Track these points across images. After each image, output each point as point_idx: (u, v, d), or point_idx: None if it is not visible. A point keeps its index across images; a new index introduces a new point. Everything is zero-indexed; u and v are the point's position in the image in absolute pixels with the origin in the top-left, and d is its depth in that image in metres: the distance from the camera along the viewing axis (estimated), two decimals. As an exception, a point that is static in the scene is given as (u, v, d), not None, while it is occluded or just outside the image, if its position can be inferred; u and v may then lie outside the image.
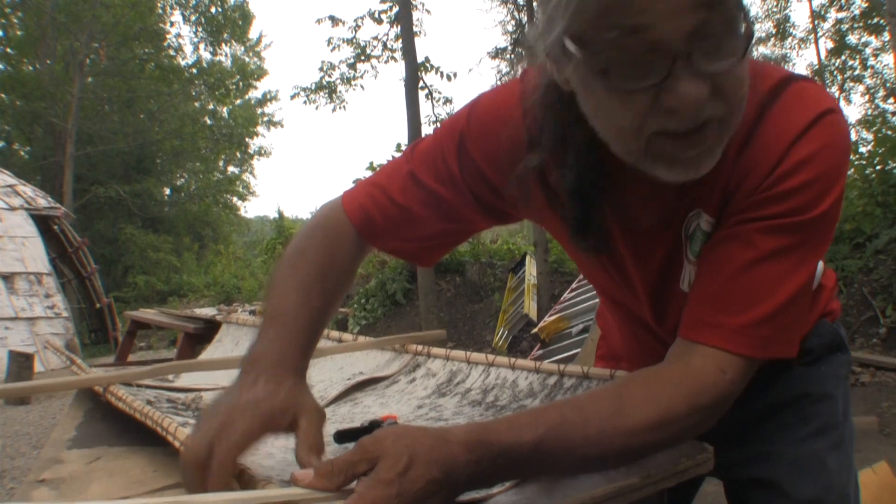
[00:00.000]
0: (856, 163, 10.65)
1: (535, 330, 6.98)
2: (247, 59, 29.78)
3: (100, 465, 1.13)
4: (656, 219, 1.02)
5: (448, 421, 1.27)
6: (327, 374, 1.69)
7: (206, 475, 0.79)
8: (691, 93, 0.76)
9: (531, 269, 9.93)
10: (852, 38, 22.23)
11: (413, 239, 1.15)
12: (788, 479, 1.23)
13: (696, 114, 0.78)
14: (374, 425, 1.13)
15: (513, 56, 13.89)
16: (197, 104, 27.89)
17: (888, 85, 20.97)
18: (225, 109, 29.03)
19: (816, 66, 23.28)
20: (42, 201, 10.92)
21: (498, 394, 1.37)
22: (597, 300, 5.95)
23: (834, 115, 0.92)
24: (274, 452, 1.02)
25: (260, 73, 29.98)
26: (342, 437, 1.11)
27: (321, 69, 13.74)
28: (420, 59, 12.68)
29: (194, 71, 27.08)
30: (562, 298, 7.62)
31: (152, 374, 1.46)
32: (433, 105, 13.60)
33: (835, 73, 23.46)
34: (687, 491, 1.41)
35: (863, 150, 11.13)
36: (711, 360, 0.92)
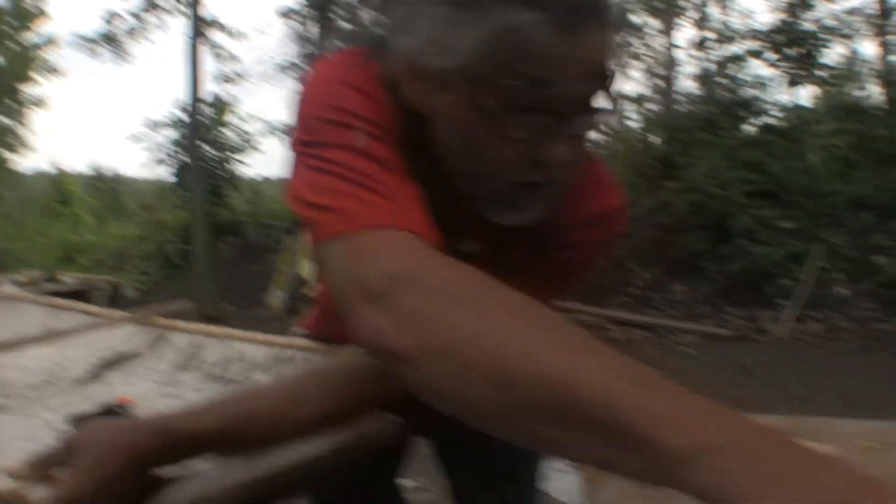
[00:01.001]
0: (626, 136, 11.45)
1: (308, 291, 7.01)
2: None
3: None
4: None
5: (187, 400, 1.33)
6: (72, 350, 1.69)
7: None
8: (565, 152, 0.79)
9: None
10: (635, 19, 23.44)
11: None
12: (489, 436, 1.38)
13: (560, 170, 0.82)
14: (106, 411, 1.22)
15: (305, 16, 13.67)
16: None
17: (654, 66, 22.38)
18: (-3, 54, 26.55)
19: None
20: None
21: (234, 367, 1.49)
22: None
23: (619, 216, 1.00)
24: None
25: (39, 14, 27.53)
26: (77, 421, 1.21)
27: (104, 18, 12.98)
28: (210, 15, 12.32)
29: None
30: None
31: None
32: (220, 63, 13.25)
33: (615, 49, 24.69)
34: (403, 450, 1.52)
35: (633, 124, 11.94)
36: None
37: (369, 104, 0.85)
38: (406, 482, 3.32)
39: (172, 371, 1.53)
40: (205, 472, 0.99)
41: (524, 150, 0.79)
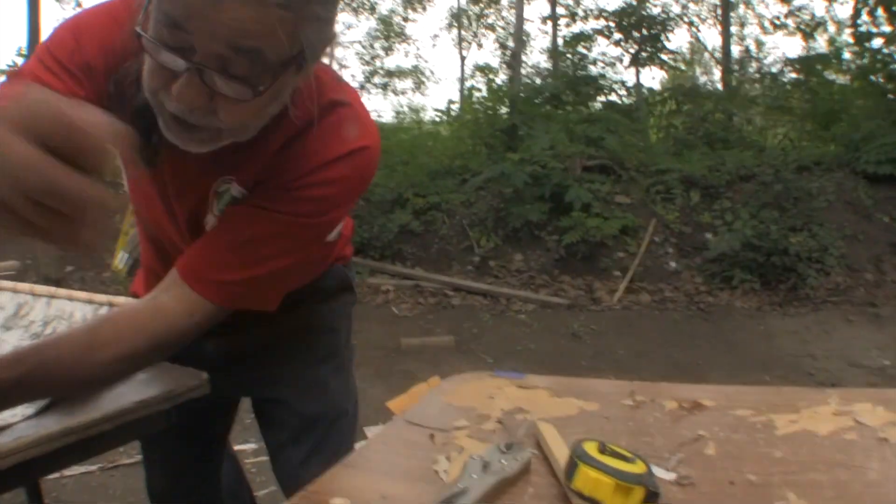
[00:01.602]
0: (474, 106, 11.53)
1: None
2: None
3: None
4: (196, 166, 1.11)
5: None
6: None
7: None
8: (185, 94, 0.88)
9: (131, 216, 9.51)
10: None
11: None
12: (296, 398, 1.50)
13: (188, 112, 0.91)
14: None
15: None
16: None
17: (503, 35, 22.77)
18: None
19: (455, 11, 24.65)
20: None
21: (57, 326, 1.49)
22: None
23: (366, 152, 1.10)
24: None
25: None
26: None
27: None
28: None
29: None
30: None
31: None
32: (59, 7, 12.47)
33: (471, 19, 24.98)
34: (225, 410, 1.68)
35: (479, 94, 12.06)
36: (184, 304, 1.08)
37: (105, 31, 1.06)
38: (246, 445, 3.38)
39: (-4, 329, 1.44)
40: (14, 422, 1.03)
41: (164, 84, 0.90)
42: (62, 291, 1.55)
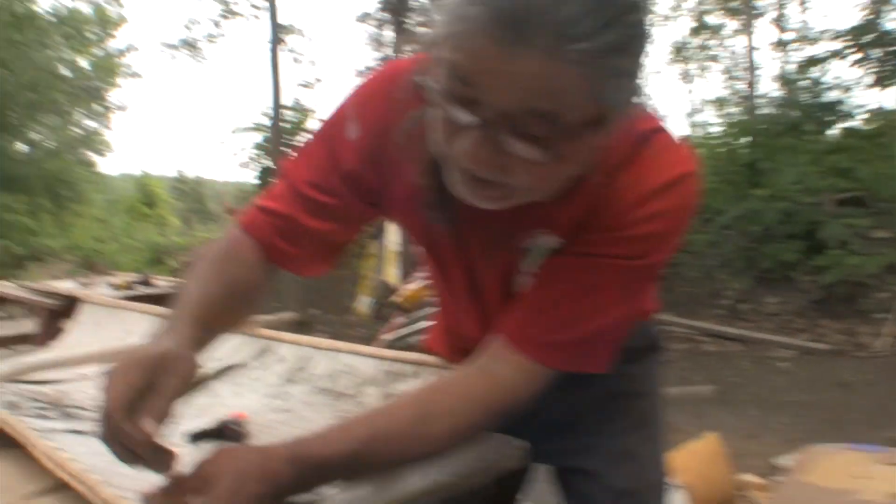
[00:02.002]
0: (709, 141, 11.15)
1: (396, 298, 7.00)
2: (105, 6, 28.05)
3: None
4: (502, 222, 1.03)
5: (298, 413, 1.36)
6: None
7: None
8: (474, 151, 0.82)
9: (392, 236, 9.91)
10: (711, 19, 23.05)
11: (307, 246, 1.18)
12: (607, 469, 1.36)
13: (479, 170, 0.84)
14: (223, 427, 1.23)
15: (380, 20, 13.94)
16: (53, 53, 26.21)
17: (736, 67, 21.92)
18: (83, 60, 27.40)
19: (679, 44, 24.10)
20: None
21: (344, 380, 1.46)
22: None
23: (690, 179, 1.00)
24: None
25: (120, 21, 28.32)
26: (195, 438, 1.20)
27: (186, 27, 13.44)
28: (287, 21, 12.51)
29: (52, 18, 25.45)
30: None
31: (11, 376, 1.45)
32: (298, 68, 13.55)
33: (693, 51, 24.33)
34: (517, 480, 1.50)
35: (715, 129, 11.66)
36: (519, 371, 1.03)
37: (376, 113, 1.07)
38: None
39: (281, 383, 1.50)
40: (335, 499, 0.96)
41: (451, 137, 0.84)
42: (345, 345, 1.54)
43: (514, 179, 0.85)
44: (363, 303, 9.12)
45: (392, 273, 8.98)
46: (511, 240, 1.07)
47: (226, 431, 1.21)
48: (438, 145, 0.88)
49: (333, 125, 1.13)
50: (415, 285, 6.67)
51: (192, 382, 0.89)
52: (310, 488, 0.92)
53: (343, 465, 0.92)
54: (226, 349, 1.70)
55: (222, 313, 1.04)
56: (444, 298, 1.37)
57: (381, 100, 1.07)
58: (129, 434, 0.80)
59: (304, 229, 1.14)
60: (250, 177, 15.66)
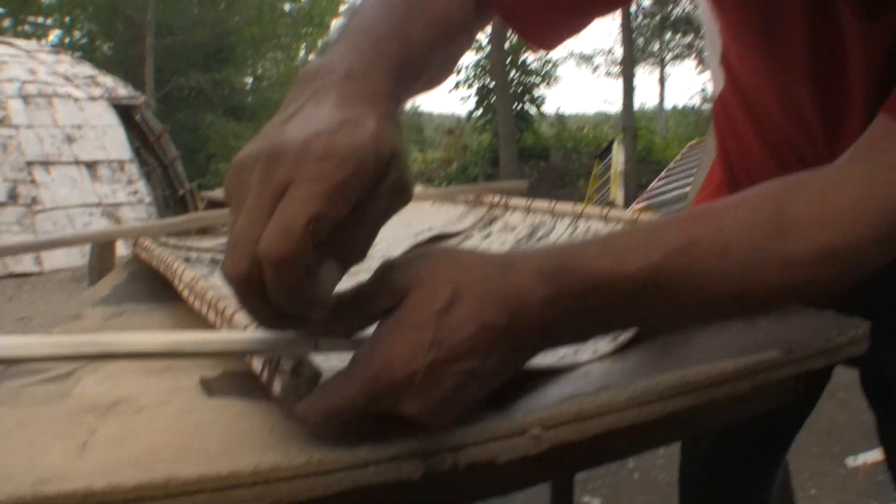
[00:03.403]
0: None
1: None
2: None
3: (118, 322, 0.96)
4: None
5: None
6: (391, 230, 1.48)
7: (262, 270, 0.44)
8: None
9: (618, 156, 9.58)
10: None
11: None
12: None
13: None
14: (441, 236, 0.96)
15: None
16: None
17: None
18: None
19: None
20: (123, 91, 10.89)
21: None
22: (686, 189, 5.59)
23: None
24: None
25: (334, 13, 28.81)
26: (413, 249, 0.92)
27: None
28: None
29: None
30: (649, 187, 7.29)
31: (185, 225, 1.29)
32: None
33: None
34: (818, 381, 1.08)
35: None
36: None
37: None
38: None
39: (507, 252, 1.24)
40: (587, 369, 0.63)
41: None
42: (592, 209, 1.19)
43: None
44: (617, 194, 8.93)
45: (617, 193, 8.68)
46: None
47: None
48: None
49: None
50: (640, 205, 6.35)
51: (404, 185, 0.50)
52: (568, 333, 0.54)
53: (633, 292, 0.53)
54: (443, 217, 1.46)
55: (421, 66, 0.63)
56: (750, 82, 0.92)
57: None
58: (304, 290, 0.45)
59: None
60: (465, 103, 15.50)
